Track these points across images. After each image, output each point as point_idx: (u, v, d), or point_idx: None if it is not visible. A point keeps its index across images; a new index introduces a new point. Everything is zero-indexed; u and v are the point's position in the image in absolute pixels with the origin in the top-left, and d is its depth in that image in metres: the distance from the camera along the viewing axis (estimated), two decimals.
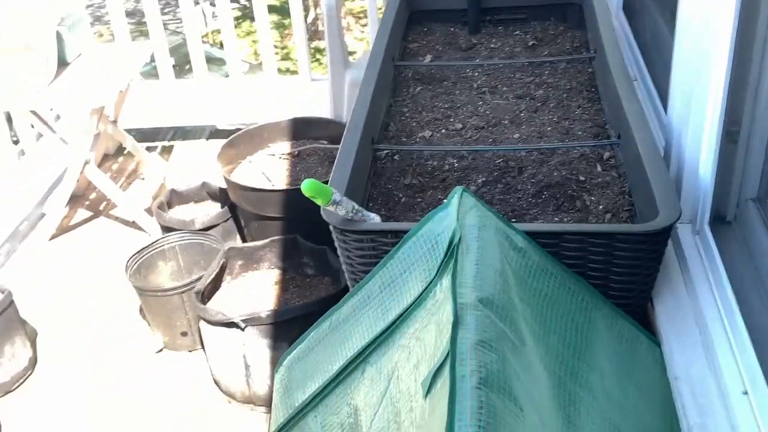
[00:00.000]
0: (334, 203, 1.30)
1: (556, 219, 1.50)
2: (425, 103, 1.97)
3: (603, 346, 1.23)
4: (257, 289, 2.36)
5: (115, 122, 3.14)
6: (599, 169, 1.63)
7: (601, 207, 1.51)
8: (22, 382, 2.36)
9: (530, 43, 2.21)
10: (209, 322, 2.10)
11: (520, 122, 1.85)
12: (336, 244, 1.41)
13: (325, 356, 1.36)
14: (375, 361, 1.25)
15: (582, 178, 1.60)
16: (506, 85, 2.02)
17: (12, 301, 2.32)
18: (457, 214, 1.19)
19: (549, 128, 1.80)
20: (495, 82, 2.04)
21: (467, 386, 0.92)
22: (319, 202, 1.29)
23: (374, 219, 1.37)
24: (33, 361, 2.42)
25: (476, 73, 2.09)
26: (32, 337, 2.51)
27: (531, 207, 1.55)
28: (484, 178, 1.65)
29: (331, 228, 1.37)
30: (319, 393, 1.32)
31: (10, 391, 2.33)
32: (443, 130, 1.85)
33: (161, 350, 2.43)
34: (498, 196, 1.60)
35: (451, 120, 1.89)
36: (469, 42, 2.27)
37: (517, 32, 2.30)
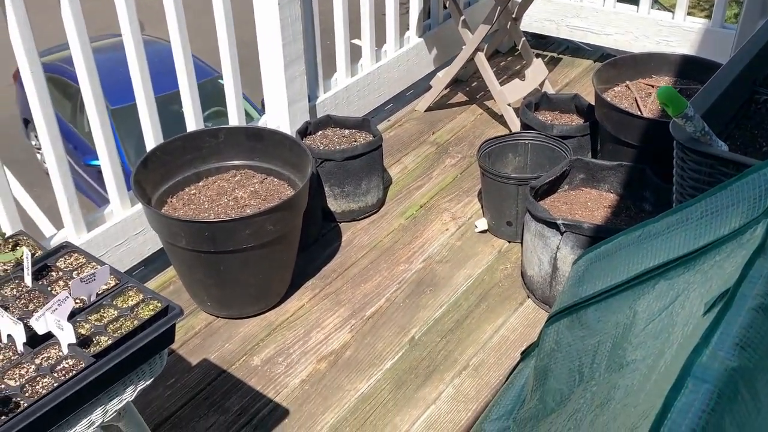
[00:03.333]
0: (685, 117, 1.29)
1: None
2: None
3: None
4: (589, 204, 2.40)
5: (516, 20, 3.30)
6: None
7: None
8: (367, 216, 2.72)
9: None
10: (533, 217, 2.21)
11: None
12: (674, 161, 1.40)
13: (625, 261, 1.39)
14: (670, 278, 1.25)
15: None
16: None
17: (380, 146, 2.65)
18: None
19: None
20: None
21: (745, 305, 0.90)
22: (670, 111, 1.29)
23: (721, 146, 1.33)
24: (380, 203, 2.77)
25: None
26: (387, 185, 2.86)
27: None
28: None
29: (674, 143, 1.37)
30: (607, 291, 1.36)
31: (356, 219, 2.70)
32: None
33: (485, 231, 2.61)
34: None
35: None
36: None
37: None
